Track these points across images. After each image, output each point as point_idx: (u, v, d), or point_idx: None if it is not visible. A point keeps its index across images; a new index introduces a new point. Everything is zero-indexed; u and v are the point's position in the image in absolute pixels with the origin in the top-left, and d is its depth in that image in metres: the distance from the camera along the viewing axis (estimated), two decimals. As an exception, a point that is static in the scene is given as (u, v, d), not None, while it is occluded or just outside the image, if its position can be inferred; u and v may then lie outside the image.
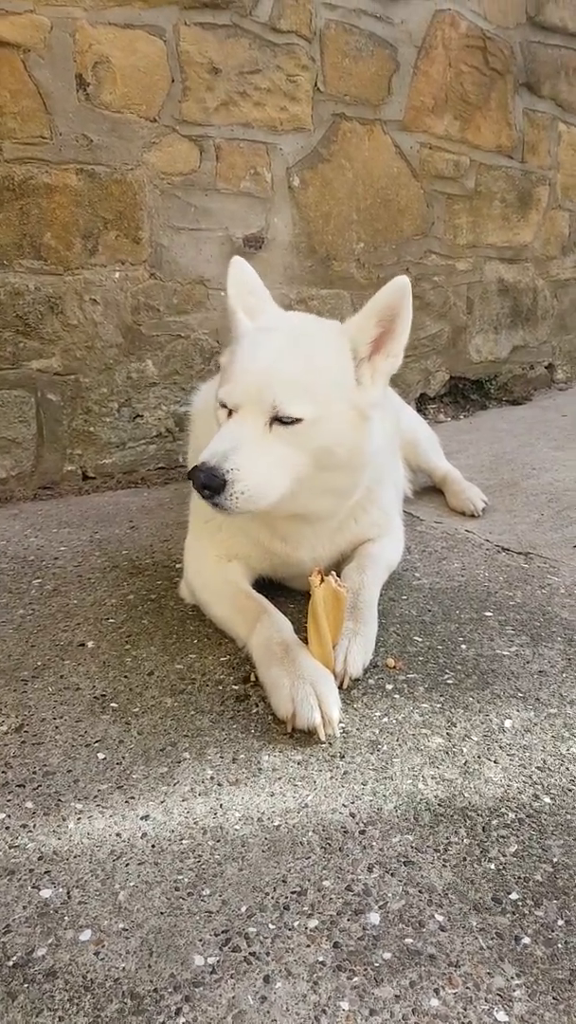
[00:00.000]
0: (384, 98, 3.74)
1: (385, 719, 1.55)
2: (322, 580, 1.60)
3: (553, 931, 1.08)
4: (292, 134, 3.41)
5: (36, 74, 2.76)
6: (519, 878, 1.16)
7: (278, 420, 1.57)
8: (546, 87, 4.52)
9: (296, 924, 1.09)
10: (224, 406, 1.63)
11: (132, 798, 1.35)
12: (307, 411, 1.57)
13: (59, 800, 1.35)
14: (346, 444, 1.67)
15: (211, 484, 1.49)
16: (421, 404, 4.28)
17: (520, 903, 1.12)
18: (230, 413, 1.62)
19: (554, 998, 0.98)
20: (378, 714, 1.57)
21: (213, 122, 3.16)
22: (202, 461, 1.50)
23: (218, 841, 1.25)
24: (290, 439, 1.58)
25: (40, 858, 1.22)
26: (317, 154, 3.52)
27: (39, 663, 1.81)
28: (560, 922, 1.09)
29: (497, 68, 4.20)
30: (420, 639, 1.86)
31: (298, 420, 1.57)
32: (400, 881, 1.16)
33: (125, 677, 1.74)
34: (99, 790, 1.37)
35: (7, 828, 1.29)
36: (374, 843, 1.23)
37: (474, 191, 4.27)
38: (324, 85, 3.48)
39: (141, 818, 1.30)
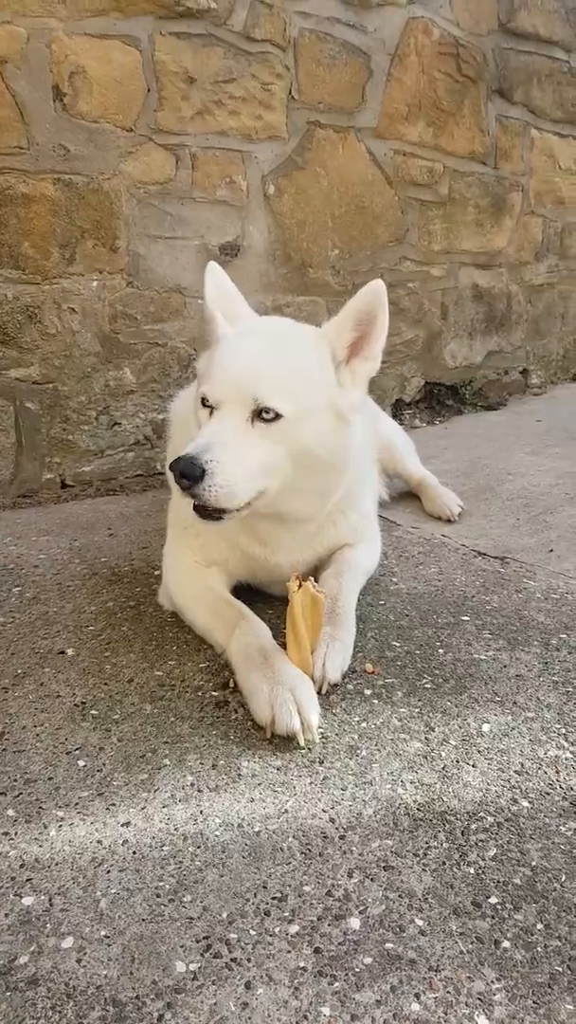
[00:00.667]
0: (358, 106, 3.77)
1: (364, 724, 1.57)
2: (300, 586, 1.62)
3: (532, 935, 1.09)
4: (267, 142, 3.43)
5: (13, 85, 2.76)
6: (498, 882, 1.18)
7: (259, 416, 1.60)
8: (518, 93, 4.57)
9: (277, 930, 1.10)
10: (205, 404, 1.66)
11: (113, 805, 1.35)
12: (288, 407, 1.60)
13: (40, 807, 1.35)
14: (327, 445, 1.70)
15: (190, 473, 1.50)
16: (397, 410, 4.31)
17: (499, 907, 1.14)
18: (211, 412, 1.64)
19: (534, 1002, 1.00)
20: (357, 719, 1.58)
21: (189, 131, 3.17)
22: (184, 452, 1.52)
23: (199, 847, 1.25)
24: (271, 435, 1.61)
25: (22, 865, 1.22)
26: (292, 162, 3.55)
27: (19, 671, 1.81)
28: (539, 926, 1.11)
29: (470, 75, 4.24)
30: (398, 644, 1.88)
31: (279, 416, 1.60)
32: (380, 886, 1.17)
33: (105, 684, 1.74)
34: (80, 797, 1.38)
35: (-12, 839, 1.29)
36: (354, 848, 1.25)
37: (448, 197, 4.31)
38: (298, 93, 3.51)
39: (122, 825, 1.31)
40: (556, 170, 4.96)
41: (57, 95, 2.85)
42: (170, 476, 1.58)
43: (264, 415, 1.59)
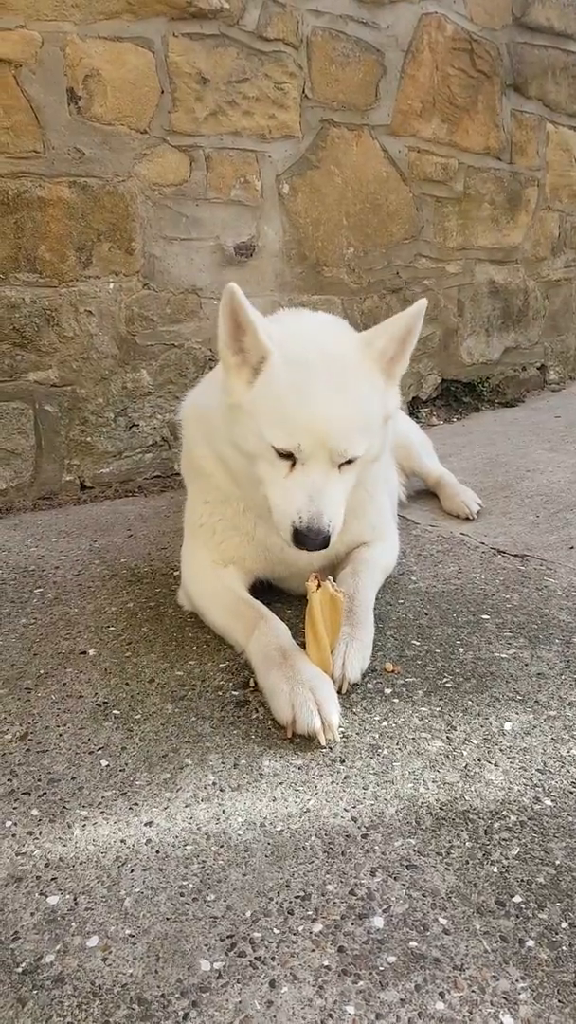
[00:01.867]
0: (372, 103, 3.76)
1: (384, 723, 1.57)
2: (319, 585, 1.62)
3: (557, 933, 1.09)
4: (281, 142, 3.44)
5: (28, 89, 2.78)
6: (522, 881, 1.18)
7: (347, 461, 1.67)
8: (533, 87, 4.55)
9: (301, 929, 1.10)
10: (280, 454, 1.65)
11: (136, 804, 1.36)
12: (366, 446, 1.69)
13: (64, 807, 1.36)
14: (377, 452, 1.80)
15: (324, 544, 1.61)
16: (413, 408, 4.30)
17: (523, 906, 1.14)
18: (292, 461, 1.65)
19: (559, 1001, 0.99)
20: (377, 718, 1.58)
21: (203, 132, 3.18)
22: (308, 528, 1.59)
23: (221, 847, 1.26)
24: (350, 471, 1.70)
25: (47, 865, 1.23)
26: (306, 161, 3.55)
27: (42, 671, 1.82)
28: (564, 924, 1.10)
29: (484, 70, 4.23)
30: (418, 643, 1.87)
31: (358, 456, 1.68)
32: (403, 885, 1.17)
33: (126, 684, 1.75)
34: (103, 797, 1.38)
35: (14, 835, 1.30)
36: (376, 847, 1.25)
37: (463, 194, 4.29)
38: (312, 92, 3.51)
39: (145, 824, 1.31)
40: (572, 164, 4.93)
41: (72, 98, 2.87)
42: (286, 534, 1.63)
43: (349, 460, 1.67)
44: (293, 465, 1.64)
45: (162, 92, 3.05)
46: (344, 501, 1.68)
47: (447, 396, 4.52)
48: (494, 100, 4.33)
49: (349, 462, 1.67)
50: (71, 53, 2.83)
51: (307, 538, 1.59)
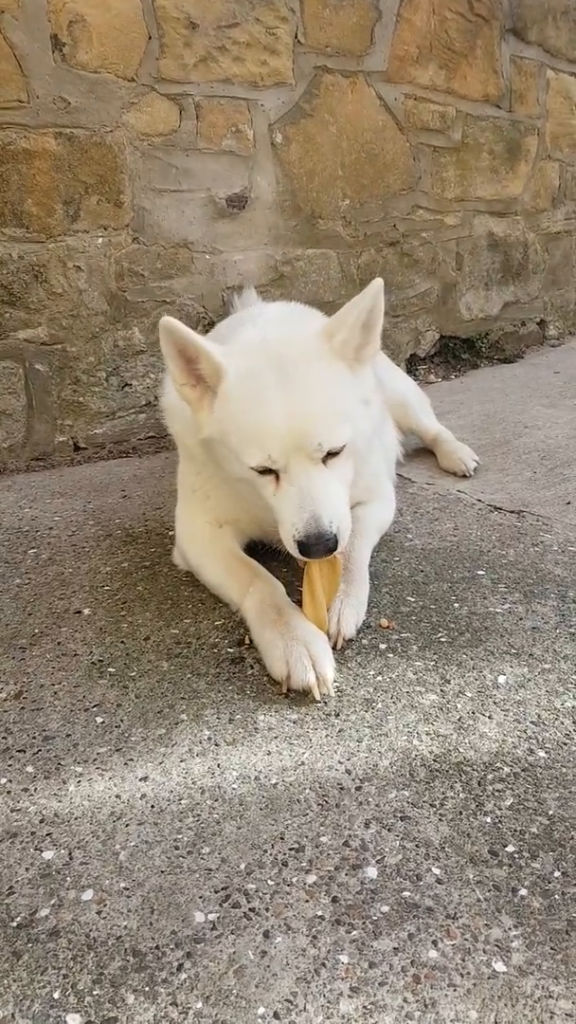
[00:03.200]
0: (367, 49, 3.65)
1: (379, 678, 1.56)
2: None
3: (550, 883, 1.09)
4: (273, 89, 3.34)
5: (10, 36, 2.69)
6: (515, 831, 1.18)
7: (330, 454, 1.58)
8: (533, 32, 4.42)
9: (295, 880, 1.11)
10: (264, 471, 1.57)
11: (131, 760, 1.36)
12: (348, 434, 1.59)
13: (59, 764, 1.36)
14: (367, 434, 1.72)
15: (332, 547, 1.52)
16: (411, 365, 4.25)
17: (516, 855, 1.14)
18: (276, 475, 1.57)
19: (551, 948, 1.00)
20: (372, 673, 1.58)
21: (192, 79, 3.09)
22: (307, 536, 1.50)
23: (216, 800, 1.26)
24: (341, 460, 1.61)
25: (41, 821, 1.24)
26: (299, 109, 3.45)
27: (36, 631, 1.82)
28: (556, 873, 1.11)
29: (482, 14, 4.10)
30: (413, 599, 1.87)
31: (343, 445, 1.59)
32: (397, 836, 1.18)
33: (122, 643, 1.75)
34: (98, 753, 1.39)
35: (8, 792, 1.30)
36: (370, 799, 1.25)
37: (461, 143, 4.19)
38: (304, 37, 3.40)
39: (140, 779, 1.32)
40: (573, 112, 4.82)
41: (56, 45, 2.78)
42: (292, 549, 1.55)
43: (333, 452, 1.57)
44: (279, 477, 1.56)
45: (149, 38, 2.96)
46: (343, 492, 1.60)
47: (445, 353, 4.46)
48: (493, 45, 4.21)
49: (334, 454, 1.57)
50: (55, -3, 2.74)
51: (310, 547, 1.50)
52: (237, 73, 3.21)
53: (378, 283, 1.64)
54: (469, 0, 4.01)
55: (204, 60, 3.10)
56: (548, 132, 4.69)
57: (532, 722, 1.42)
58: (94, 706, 1.53)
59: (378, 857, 1.14)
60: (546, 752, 1.34)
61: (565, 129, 4.79)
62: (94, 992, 0.96)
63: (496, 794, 1.25)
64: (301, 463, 1.54)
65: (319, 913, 1.06)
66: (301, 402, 1.54)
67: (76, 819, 1.24)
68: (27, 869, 1.15)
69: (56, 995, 0.96)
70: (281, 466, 1.54)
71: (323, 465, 1.57)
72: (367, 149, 3.75)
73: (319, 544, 1.50)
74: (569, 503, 2.40)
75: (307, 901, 1.08)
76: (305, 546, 1.51)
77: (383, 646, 1.67)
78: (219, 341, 1.73)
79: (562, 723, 1.41)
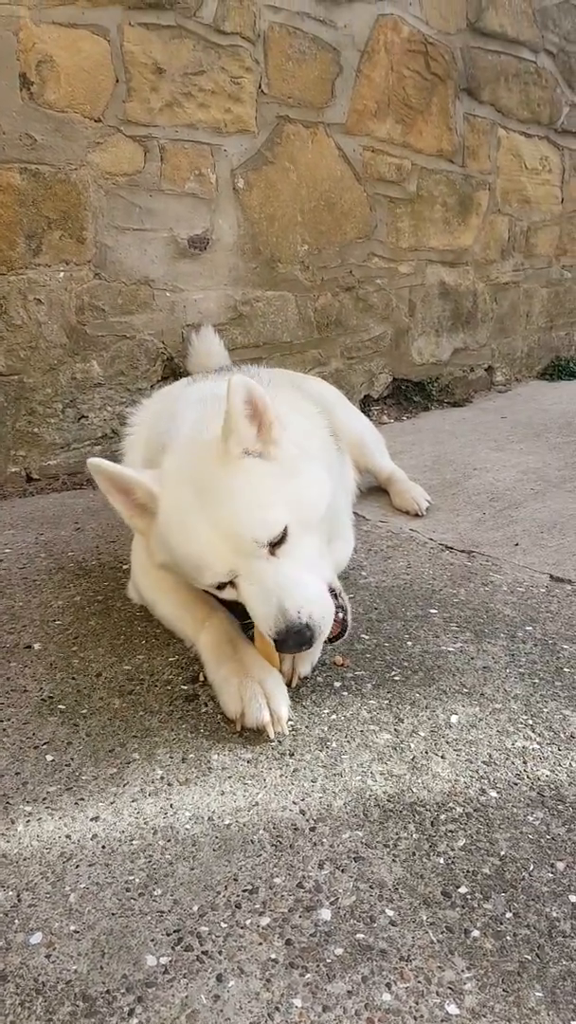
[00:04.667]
0: (327, 101, 3.77)
1: (334, 716, 1.57)
2: None
3: (502, 924, 1.10)
4: (236, 136, 3.42)
5: (-23, 70, 2.72)
6: (467, 872, 1.19)
7: (273, 545, 1.49)
8: (486, 92, 4.61)
9: (248, 922, 1.10)
10: (220, 587, 1.54)
11: (82, 799, 1.34)
12: (280, 518, 1.50)
13: (7, 803, 1.33)
14: (317, 496, 1.63)
15: (308, 638, 1.43)
16: (365, 405, 4.33)
17: (469, 896, 1.15)
18: (230, 586, 1.53)
19: (504, 990, 1.01)
20: (327, 711, 1.59)
21: (158, 123, 3.15)
22: (278, 633, 1.42)
23: (169, 841, 1.25)
24: (291, 544, 1.52)
25: (-12, 864, 1.21)
26: (261, 156, 3.54)
27: (-16, 667, 1.78)
28: (508, 915, 1.12)
29: (438, 73, 4.27)
30: (367, 636, 1.88)
31: (285, 529, 1.50)
32: (351, 877, 1.18)
33: (73, 679, 1.72)
34: (48, 792, 1.36)
35: (-47, 835, 1.27)
36: (324, 840, 1.25)
37: (416, 195, 4.33)
38: (268, 87, 3.50)
39: (91, 819, 1.29)
40: (522, 169, 5.01)
41: (24, 84, 2.81)
42: (267, 642, 1.48)
43: (276, 542, 1.49)
44: (236, 584, 1.51)
45: (117, 81, 3.01)
46: (306, 575, 1.50)
47: (398, 395, 4.56)
48: (447, 103, 4.38)
49: (278, 543, 1.49)
50: (24, 38, 2.77)
51: (285, 643, 1.43)
52: (202, 119, 3.28)
53: (234, 382, 1.49)
54: (426, 59, 4.18)
55: (170, 105, 3.17)
56: (499, 187, 4.87)
57: (484, 762, 1.44)
58: (44, 744, 1.50)
59: (332, 899, 1.14)
60: (498, 792, 1.36)
61: (515, 185, 4.98)
62: (42, 1040, 0.94)
63: (449, 834, 1.26)
64: (249, 565, 1.48)
65: (273, 956, 1.05)
66: (220, 514, 1.49)
67: (25, 860, 1.21)
68: (-27, 912, 1.12)
69: (2, 1044, 0.94)
70: (235, 575, 1.50)
71: (274, 557, 1.49)
72: (326, 197, 3.85)
73: (292, 638, 1.42)
74: (517, 544, 2.46)
75: (261, 944, 1.07)
76: (280, 643, 1.44)
77: (338, 684, 1.68)
78: (150, 434, 1.78)
79: (513, 763, 1.43)
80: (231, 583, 1.53)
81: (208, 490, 1.52)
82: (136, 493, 1.61)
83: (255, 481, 1.54)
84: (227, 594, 1.56)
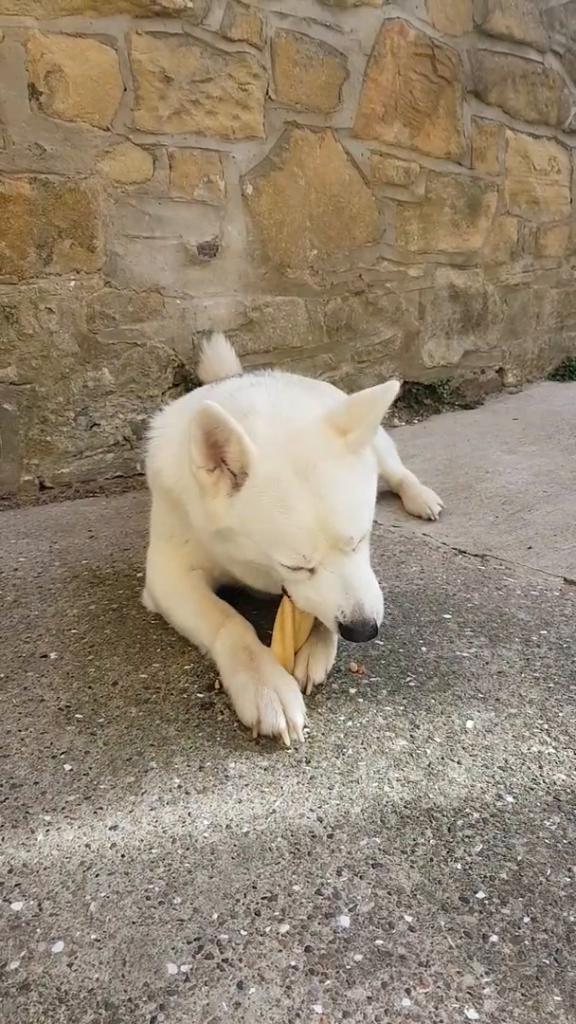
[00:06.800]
0: (335, 106, 3.78)
1: (349, 723, 1.57)
2: None
3: (520, 928, 1.11)
4: (244, 142, 3.43)
5: (-13, 82, 2.74)
6: (485, 877, 1.20)
7: None
8: (493, 94, 4.61)
9: (267, 929, 1.11)
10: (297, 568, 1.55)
11: (100, 808, 1.35)
12: (369, 519, 1.62)
13: (27, 812, 1.35)
14: (374, 500, 1.71)
15: (373, 632, 1.52)
16: (376, 408, 4.31)
17: (487, 902, 1.15)
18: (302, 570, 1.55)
19: (523, 994, 1.01)
20: (342, 718, 1.59)
21: (166, 130, 3.17)
22: (353, 623, 1.50)
23: (187, 849, 1.26)
24: (364, 542, 1.61)
25: (10, 871, 1.22)
26: (270, 162, 3.55)
27: (2, 675, 1.79)
28: (526, 919, 1.12)
29: (445, 76, 4.27)
30: (381, 643, 1.89)
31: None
32: (369, 883, 1.18)
33: (89, 688, 1.73)
34: (67, 801, 1.37)
35: (-26, 844, 1.28)
36: (342, 847, 1.26)
37: (424, 198, 4.33)
38: (275, 93, 3.51)
39: (110, 828, 1.30)
40: (531, 171, 5.01)
41: (33, 94, 2.83)
42: (331, 626, 1.54)
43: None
44: (313, 571, 1.54)
45: (125, 90, 3.03)
46: (372, 574, 1.60)
47: (408, 398, 4.55)
48: (455, 106, 4.38)
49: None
50: (33, 48, 2.80)
51: (353, 632, 1.50)
52: (210, 126, 3.29)
53: (393, 386, 1.65)
54: (432, 62, 4.18)
55: (178, 112, 3.18)
56: (507, 189, 4.86)
57: (500, 767, 1.44)
58: (62, 753, 1.51)
59: (351, 905, 1.14)
60: (514, 797, 1.36)
61: (523, 186, 4.98)
62: (65, 1048, 0.95)
63: (466, 840, 1.27)
64: (335, 557, 1.53)
65: (292, 963, 1.06)
66: (326, 503, 1.51)
67: (45, 869, 1.22)
68: (-5, 921, 1.13)
69: (26, 1052, 0.95)
70: (316, 563, 1.53)
71: (353, 552, 1.55)
72: (334, 202, 3.86)
73: (363, 629, 1.50)
74: (530, 547, 2.46)
75: (280, 951, 1.07)
76: (351, 631, 1.51)
77: (353, 690, 1.69)
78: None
79: (529, 768, 1.44)
80: (306, 570, 1.54)
81: (315, 476, 1.52)
82: (230, 447, 1.54)
83: (356, 479, 1.60)
84: (289, 577, 1.56)
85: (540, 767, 1.44)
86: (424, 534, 2.62)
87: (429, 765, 1.45)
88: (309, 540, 1.50)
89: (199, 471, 1.58)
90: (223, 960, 1.06)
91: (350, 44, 3.78)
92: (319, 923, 1.11)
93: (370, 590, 1.54)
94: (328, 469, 1.54)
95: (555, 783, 1.40)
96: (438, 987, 1.02)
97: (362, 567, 1.57)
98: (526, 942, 1.09)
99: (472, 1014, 0.99)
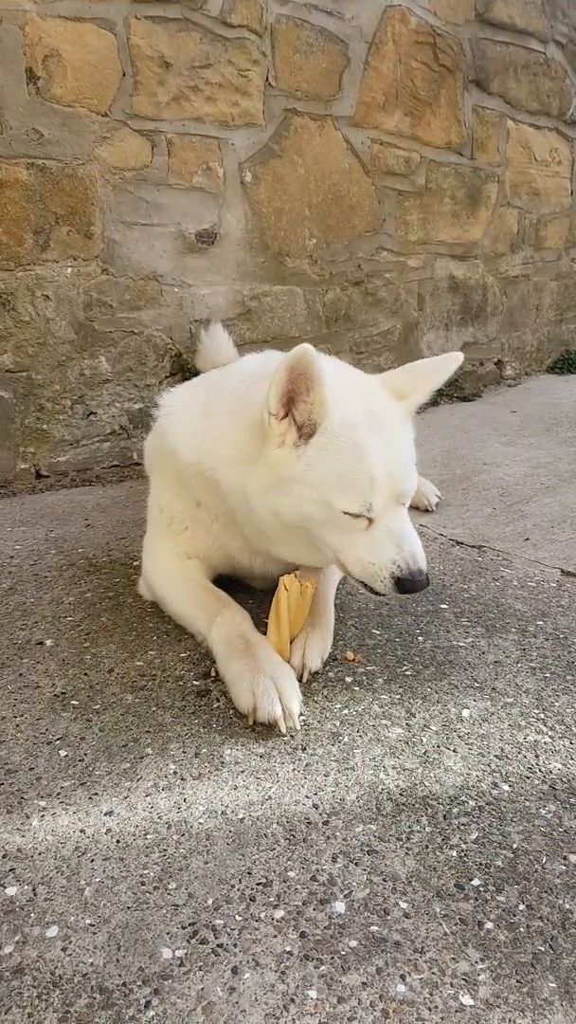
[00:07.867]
0: (335, 94, 3.75)
1: (345, 711, 1.57)
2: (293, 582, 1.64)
3: (515, 916, 1.11)
4: (244, 129, 3.41)
5: (-16, 66, 2.71)
6: (480, 864, 1.20)
7: None
8: (495, 84, 4.58)
9: (263, 915, 1.11)
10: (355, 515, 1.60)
11: (95, 794, 1.35)
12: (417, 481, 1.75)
13: (22, 798, 1.34)
14: None
15: (426, 583, 1.59)
16: (375, 399, 4.31)
17: (482, 889, 1.15)
18: (360, 516, 1.60)
19: (517, 981, 1.01)
20: (338, 706, 1.59)
21: (165, 116, 3.14)
22: (411, 572, 1.57)
23: (183, 835, 1.25)
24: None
25: (4, 856, 1.22)
26: (269, 149, 3.53)
27: (-3, 663, 1.79)
28: (521, 907, 1.12)
29: (447, 65, 4.25)
30: (378, 632, 1.89)
31: None
32: (364, 870, 1.18)
33: (85, 675, 1.73)
34: (62, 787, 1.37)
35: (-31, 829, 1.28)
36: (338, 833, 1.25)
37: (425, 188, 4.31)
38: (275, 80, 3.48)
39: (105, 814, 1.30)
40: (532, 162, 4.98)
41: (31, 78, 2.80)
42: (384, 585, 1.59)
43: None
44: (370, 522, 1.59)
45: (123, 75, 3.01)
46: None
47: (406, 389, 4.54)
48: (456, 95, 4.35)
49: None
50: (31, 32, 2.77)
51: (413, 582, 1.56)
52: (209, 112, 3.27)
53: (458, 357, 1.85)
54: (434, 51, 4.15)
55: (177, 98, 3.16)
56: (508, 180, 4.84)
57: (496, 756, 1.44)
58: (57, 739, 1.51)
59: (346, 892, 1.14)
60: (510, 786, 1.36)
61: (524, 177, 4.96)
62: (59, 1032, 0.95)
63: (461, 828, 1.27)
64: (392, 509, 1.62)
65: (287, 948, 1.05)
66: (395, 454, 1.64)
67: (40, 854, 1.22)
68: (-11, 906, 1.13)
69: (20, 1036, 0.94)
70: (376, 513, 1.58)
71: (404, 508, 1.66)
72: (334, 191, 3.84)
73: (420, 579, 1.57)
74: (527, 539, 2.46)
75: (275, 936, 1.07)
76: (409, 582, 1.56)
77: (349, 679, 1.68)
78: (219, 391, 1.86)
79: (525, 756, 1.44)
80: (368, 519, 1.60)
81: (387, 430, 1.65)
82: (309, 396, 1.56)
83: (411, 441, 1.76)
84: (348, 526, 1.59)
85: (536, 756, 1.44)
86: (422, 525, 2.61)
87: (425, 753, 1.44)
88: (379, 486, 1.57)
89: (271, 418, 1.60)
90: (218, 945, 1.06)
91: (351, 31, 3.75)
92: (314, 909, 1.11)
93: (419, 543, 1.62)
94: (393, 425, 1.69)
95: (551, 772, 1.39)
96: (433, 973, 1.02)
97: (410, 523, 1.66)
98: (521, 929, 1.09)
99: (467, 1000, 0.99)
